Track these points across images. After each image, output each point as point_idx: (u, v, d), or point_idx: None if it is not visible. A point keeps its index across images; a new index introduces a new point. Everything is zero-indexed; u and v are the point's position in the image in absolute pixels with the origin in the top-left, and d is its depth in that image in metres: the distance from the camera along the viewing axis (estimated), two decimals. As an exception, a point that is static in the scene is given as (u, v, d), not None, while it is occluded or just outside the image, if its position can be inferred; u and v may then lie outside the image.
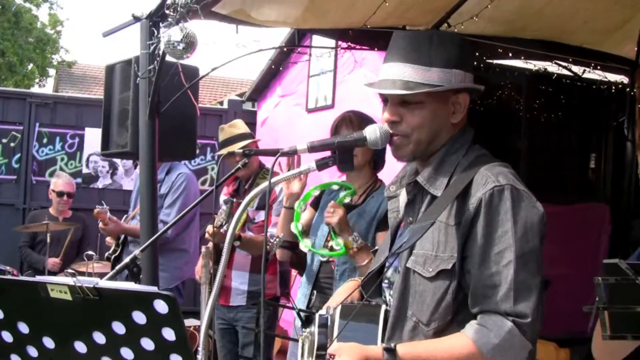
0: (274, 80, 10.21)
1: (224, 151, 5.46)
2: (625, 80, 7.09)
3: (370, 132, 2.50)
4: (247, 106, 11.13)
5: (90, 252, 7.57)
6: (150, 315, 1.81)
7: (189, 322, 7.62)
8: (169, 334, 1.83)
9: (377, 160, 4.16)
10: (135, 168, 7.67)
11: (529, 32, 6.28)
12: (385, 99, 2.57)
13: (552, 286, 7.23)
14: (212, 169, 10.53)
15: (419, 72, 2.46)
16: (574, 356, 5.08)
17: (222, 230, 4.99)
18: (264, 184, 2.49)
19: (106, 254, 6.72)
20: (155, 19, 4.64)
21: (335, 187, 4.14)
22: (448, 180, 2.47)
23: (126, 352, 1.92)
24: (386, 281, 2.71)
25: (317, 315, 2.39)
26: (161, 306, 1.79)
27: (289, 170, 4.14)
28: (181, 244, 6.41)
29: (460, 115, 2.54)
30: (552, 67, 7.19)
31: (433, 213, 2.41)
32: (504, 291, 2.29)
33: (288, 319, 6.03)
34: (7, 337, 2.07)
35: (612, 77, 7.39)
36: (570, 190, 8.33)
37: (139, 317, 1.83)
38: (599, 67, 6.96)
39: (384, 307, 2.59)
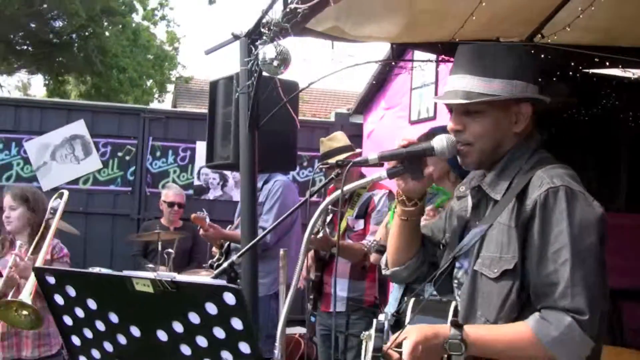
0: (379, 93, 10.36)
1: (322, 166, 5.68)
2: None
3: (438, 142, 2.64)
4: (355, 119, 11.30)
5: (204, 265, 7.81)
6: (220, 306, 2.01)
7: (294, 330, 7.82)
8: (237, 323, 2.02)
9: (460, 173, 4.26)
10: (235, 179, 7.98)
11: (626, 40, 6.23)
12: (450, 109, 2.72)
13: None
14: (320, 180, 10.75)
15: (480, 82, 2.60)
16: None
17: (318, 236, 5.20)
18: (338, 192, 2.65)
19: (209, 262, 6.99)
20: (253, 37, 4.87)
21: (430, 191, 4.26)
22: (509, 184, 2.59)
23: (201, 340, 2.12)
24: (455, 281, 2.82)
25: (374, 320, 2.53)
26: (230, 298, 1.98)
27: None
28: (279, 249, 6.63)
29: (522, 124, 2.65)
30: (651, 76, 7.12)
31: (492, 217, 2.55)
32: (561, 288, 2.40)
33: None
34: (100, 326, 2.31)
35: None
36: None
37: (211, 308, 2.03)
38: (699, 74, 6.86)
39: (453, 303, 2.70)
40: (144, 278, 2.10)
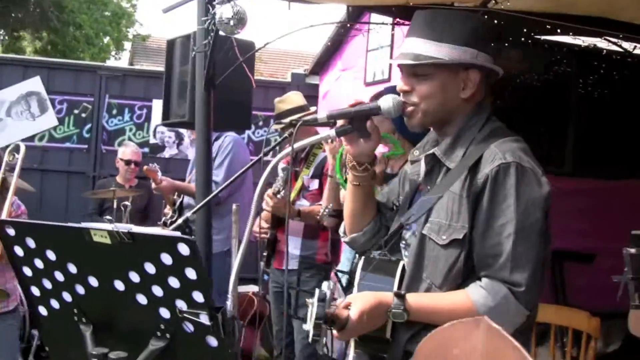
0: (335, 54, 10.40)
1: (276, 126, 5.79)
2: (677, 56, 7.14)
3: (384, 102, 2.71)
4: (311, 80, 11.35)
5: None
6: (175, 256, 2.10)
7: (248, 288, 7.91)
8: (191, 273, 2.10)
9: (404, 134, 4.37)
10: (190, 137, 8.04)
11: (578, 8, 6.34)
12: (401, 72, 2.81)
13: (598, 261, 7.36)
14: (275, 140, 10.82)
15: (430, 46, 2.66)
16: (612, 327, 5.21)
17: (278, 196, 5.29)
18: (288, 149, 2.73)
19: (163, 219, 7.07)
20: (210, -4, 4.92)
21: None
22: (463, 153, 2.68)
23: (157, 289, 2.21)
24: (403, 242, 2.89)
25: (316, 290, 2.61)
26: (184, 249, 2.07)
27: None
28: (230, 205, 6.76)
29: (469, 91, 2.71)
30: (601, 44, 7.25)
31: (444, 185, 2.65)
32: (502, 260, 2.52)
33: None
34: (59, 276, 2.38)
35: (664, 53, 7.43)
36: (620, 166, 8.35)
37: (166, 259, 2.11)
38: (650, 44, 7.03)
39: (402, 263, 2.79)
40: (101, 229, 2.17)
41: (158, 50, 26.91)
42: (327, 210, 4.88)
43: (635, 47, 7.25)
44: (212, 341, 2.20)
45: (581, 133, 8.19)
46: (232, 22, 4.49)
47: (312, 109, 6.00)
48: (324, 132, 2.81)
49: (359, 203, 2.99)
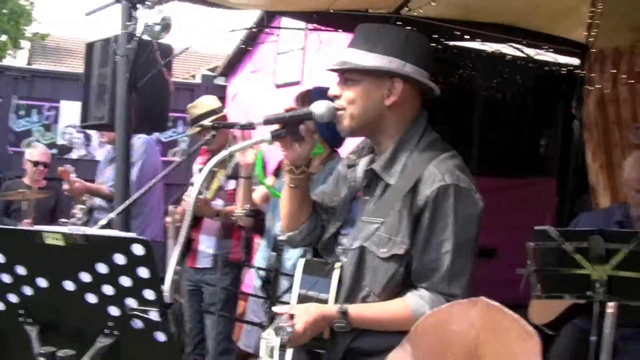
0: (245, 56, 10.51)
1: (191, 131, 5.86)
2: (576, 62, 7.47)
3: (317, 107, 2.82)
4: (219, 81, 11.40)
5: (64, 220, 7.83)
6: (129, 257, 2.17)
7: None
8: (143, 272, 2.17)
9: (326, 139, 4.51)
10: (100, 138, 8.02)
11: (485, 15, 6.62)
12: (339, 77, 2.93)
13: (499, 255, 7.64)
14: (184, 141, 10.85)
15: (360, 55, 2.81)
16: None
17: (200, 197, 5.37)
18: (224, 152, 2.82)
19: (71, 220, 7.05)
20: (134, 1, 4.96)
21: None
22: (402, 168, 2.82)
23: (107, 288, 2.27)
24: (340, 247, 3.02)
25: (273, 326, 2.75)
26: (138, 249, 2.14)
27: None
28: (142, 207, 6.82)
29: (393, 98, 2.82)
30: (506, 49, 7.56)
31: (387, 207, 2.79)
32: (441, 275, 2.71)
33: (251, 284, 6.43)
34: (6, 278, 2.42)
35: (563, 59, 7.77)
36: (521, 165, 8.69)
37: (120, 259, 2.18)
38: (551, 50, 7.35)
39: (338, 266, 2.92)
40: (55, 232, 2.23)
41: (57, 49, 26.44)
42: (244, 211, 4.98)
43: (537, 53, 7.58)
44: (161, 336, 2.27)
45: (485, 134, 8.49)
46: (157, 28, 4.55)
47: (224, 112, 6.07)
48: (260, 135, 2.91)
49: (296, 204, 3.11)
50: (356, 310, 2.79)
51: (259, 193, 5.18)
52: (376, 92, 2.84)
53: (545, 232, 4.05)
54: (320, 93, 4.19)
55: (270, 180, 4.92)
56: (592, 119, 7.04)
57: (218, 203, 5.68)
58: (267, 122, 2.85)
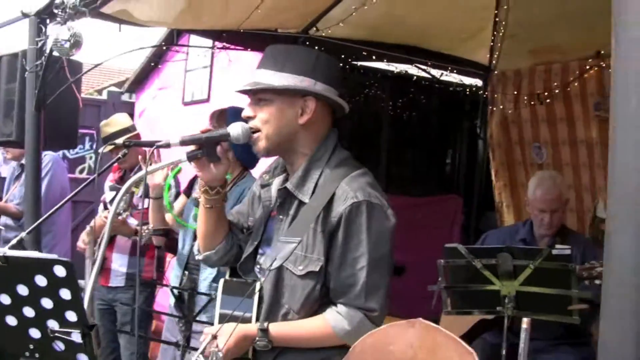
0: (153, 73, 10.44)
1: (104, 149, 5.79)
2: (479, 83, 7.68)
3: (233, 128, 2.83)
4: (126, 97, 11.30)
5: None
6: (50, 278, 2.16)
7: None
8: (65, 294, 2.17)
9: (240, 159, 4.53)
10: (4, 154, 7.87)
11: (392, 37, 6.75)
12: (250, 98, 2.97)
13: (408, 271, 7.77)
14: (91, 157, 10.70)
15: (271, 75, 2.83)
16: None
17: (119, 217, 5.32)
18: (142, 172, 2.82)
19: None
20: (43, 17, 4.91)
21: None
22: (314, 185, 2.86)
23: (28, 310, 2.26)
24: (258, 267, 3.05)
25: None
26: (60, 270, 2.14)
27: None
28: (51, 225, 6.72)
29: (306, 117, 2.86)
30: (412, 70, 7.72)
31: (302, 227, 2.82)
32: (357, 290, 2.76)
33: (162, 302, 6.38)
34: None
35: (468, 80, 7.97)
36: (428, 183, 8.85)
37: (41, 280, 2.17)
38: (455, 71, 7.52)
39: (258, 285, 2.93)
40: (-26, 253, 2.21)
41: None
42: (147, 231, 4.96)
43: (442, 74, 7.76)
44: (83, 358, 2.28)
45: (392, 153, 8.62)
46: (68, 44, 4.52)
47: (135, 132, 6.03)
48: (176, 156, 2.92)
49: (211, 224, 3.12)
50: (277, 328, 2.84)
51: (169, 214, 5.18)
52: (289, 111, 2.86)
53: (455, 249, 4.16)
54: (235, 112, 4.24)
55: (180, 200, 4.92)
56: (496, 139, 7.24)
57: (131, 222, 5.64)
58: (184, 142, 2.84)
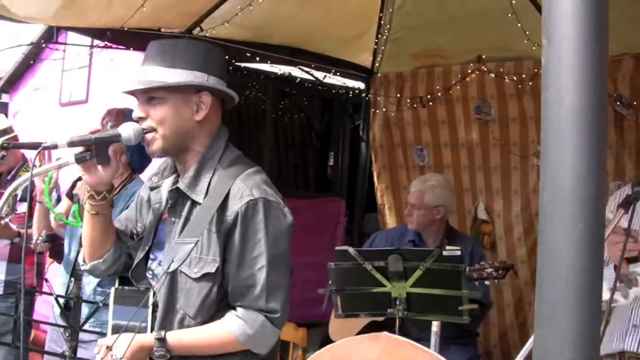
0: (28, 72, 10.13)
1: None
2: (362, 86, 7.72)
3: (124, 129, 2.71)
4: (2, 98, 10.94)
5: None
6: None
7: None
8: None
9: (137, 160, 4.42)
10: None
11: (276, 38, 6.74)
12: (137, 100, 2.83)
13: (294, 275, 7.77)
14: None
15: (161, 71, 2.72)
16: (311, 334, 5.53)
17: (1, 222, 5.10)
18: (27, 175, 2.68)
19: None
20: None
21: None
22: (207, 185, 2.77)
23: None
24: (150, 272, 2.96)
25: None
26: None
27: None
28: None
29: (203, 112, 2.78)
30: (296, 72, 7.73)
31: (198, 227, 2.71)
32: (257, 291, 2.68)
33: (41, 312, 6.17)
34: None
35: (351, 83, 8.04)
36: (311, 185, 8.88)
37: None
38: (338, 74, 7.55)
39: (151, 292, 2.83)
40: None
41: None
42: (41, 238, 4.79)
43: (325, 76, 7.79)
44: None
45: (275, 155, 8.61)
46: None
47: (14, 134, 5.81)
48: (63, 158, 2.80)
49: (98, 231, 2.99)
50: (174, 336, 2.74)
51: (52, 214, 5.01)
52: (185, 108, 2.77)
53: (345, 252, 4.16)
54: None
55: (64, 203, 4.76)
56: (378, 141, 7.31)
57: (12, 226, 5.43)
58: (72, 144, 2.71)
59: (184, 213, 2.82)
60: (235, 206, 2.69)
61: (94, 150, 2.75)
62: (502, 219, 6.48)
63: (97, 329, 3.91)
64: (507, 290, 6.39)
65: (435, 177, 5.34)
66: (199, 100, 2.78)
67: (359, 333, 4.80)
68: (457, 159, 6.74)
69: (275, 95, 8.33)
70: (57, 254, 4.84)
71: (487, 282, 4.33)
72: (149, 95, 2.76)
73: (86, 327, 3.95)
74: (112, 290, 2.93)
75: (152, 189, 3.04)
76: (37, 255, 5.46)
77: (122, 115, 4.28)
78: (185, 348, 2.74)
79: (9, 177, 5.49)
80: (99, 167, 2.79)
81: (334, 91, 8.11)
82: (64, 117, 8.86)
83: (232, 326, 2.71)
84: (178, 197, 2.85)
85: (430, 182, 5.09)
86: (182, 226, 2.80)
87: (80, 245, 4.12)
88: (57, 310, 4.23)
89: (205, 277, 2.72)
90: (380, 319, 4.58)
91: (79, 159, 2.75)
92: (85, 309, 4.09)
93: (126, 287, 2.95)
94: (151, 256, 2.97)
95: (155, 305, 2.82)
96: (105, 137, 2.76)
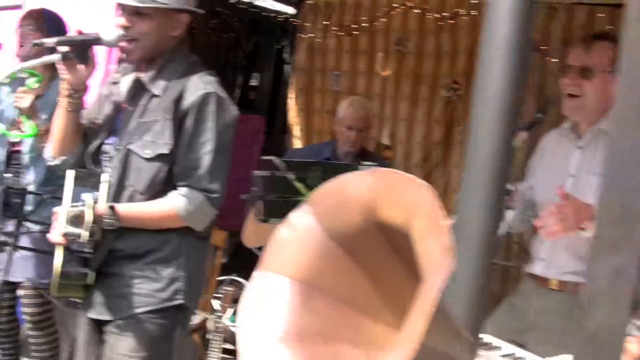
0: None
1: None
2: (292, 11, 7.91)
3: (107, 34, 3.13)
4: None
5: None
6: None
7: None
8: None
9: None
10: None
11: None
12: (122, 10, 3.21)
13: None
14: None
15: None
16: (230, 238, 5.89)
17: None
18: (17, 66, 3.03)
19: None
20: None
21: (23, 74, 4.20)
22: (166, 83, 3.18)
23: None
24: (105, 155, 3.32)
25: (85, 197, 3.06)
26: None
27: None
28: None
29: (179, 30, 3.25)
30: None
31: (157, 110, 3.15)
32: (202, 173, 3.13)
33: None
34: None
35: (281, 7, 8.17)
36: (234, 102, 9.08)
37: None
38: (271, -3, 7.78)
39: (104, 176, 3.21)
40: None
41: None
42: None
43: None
44: None
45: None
46: None
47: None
48: (48, 56, 3.16)
49: (72, 128, 3.36)
50: (124, 207, 3.13)
51: None
52: (166, 24, 3.21)
53: (270, 161, 4.49)
54: (51, 17, 4.45)
55: None
56: (301, 65, 7.53)
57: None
58: (60, 43, 3.10)
59: (142, 103, 3.21)
60: (190, 97, 3.11)
61: (77, 50, 3.14)
62: (404, 145, 6.82)
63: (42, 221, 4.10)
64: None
65: (361, 98, 5.77)
66: (178, 19, 3.23)
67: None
68: (370, 87, 7.03)
69: (206, 15, 8.42)
70: None
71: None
72: (138, 10, 3.15)
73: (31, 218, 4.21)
74: (71, 172, 3.22)
75: (113, 83, 3.41)
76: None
77: (41, 17, 4.49)
78: (131, 219, 3.13)
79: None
80: (82, 66, 3.18)
81: (264, 14, 8.32)
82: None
83: (176, 202, 3.13)
84: (138, 89, 3.25)
85: (368, 104, 5.54)
86: (140, 115, 3.19)
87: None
88: None
89: (158, 157, 3.13)
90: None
91: (65, 57, 3.12)
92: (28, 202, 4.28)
93: (83, 169, 3.27)
94: (107, 142, 3.32)
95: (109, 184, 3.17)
96: (89, 39, 3.17)
